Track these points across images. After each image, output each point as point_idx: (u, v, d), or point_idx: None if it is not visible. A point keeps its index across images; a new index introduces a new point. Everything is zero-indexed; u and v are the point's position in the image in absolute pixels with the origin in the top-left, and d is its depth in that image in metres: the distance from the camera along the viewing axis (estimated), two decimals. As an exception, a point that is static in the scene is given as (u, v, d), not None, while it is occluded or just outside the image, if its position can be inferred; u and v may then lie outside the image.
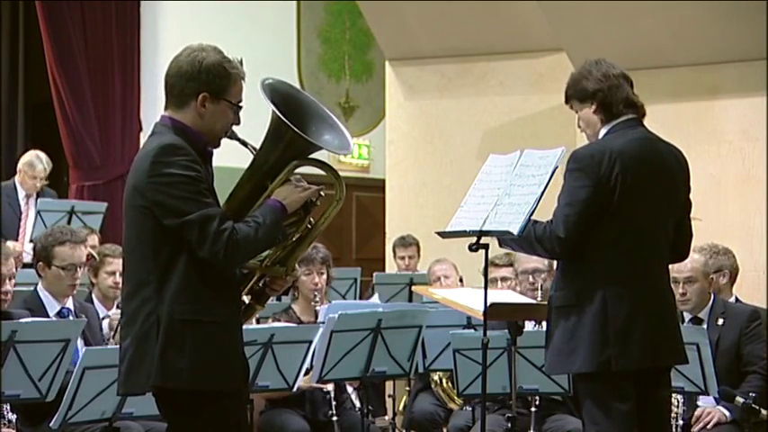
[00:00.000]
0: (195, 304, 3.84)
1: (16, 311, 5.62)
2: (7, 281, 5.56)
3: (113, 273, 6.42)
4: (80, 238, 5.98)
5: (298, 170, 4.02)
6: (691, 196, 4.78)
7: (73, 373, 5.11)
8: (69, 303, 5.89)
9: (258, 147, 4.01)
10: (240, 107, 4.00)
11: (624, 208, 4.48)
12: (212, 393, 3.87)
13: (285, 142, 3.93)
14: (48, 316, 5.76)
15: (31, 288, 6.02)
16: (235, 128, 4.02)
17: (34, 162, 9.68)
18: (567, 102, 4.73)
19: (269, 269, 4.05)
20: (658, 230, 4.58)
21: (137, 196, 3.86)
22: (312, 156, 4.02)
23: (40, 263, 5.83)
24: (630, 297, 4.46)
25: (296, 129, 3.88)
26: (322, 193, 4.02)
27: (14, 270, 5.67)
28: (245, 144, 4.01)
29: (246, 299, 4.14)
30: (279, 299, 6.89)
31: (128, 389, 3.95)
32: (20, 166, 9.74)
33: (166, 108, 4.00)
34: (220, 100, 3.95)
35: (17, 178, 9.74)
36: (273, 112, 3.92)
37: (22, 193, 9.70)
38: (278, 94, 4.01)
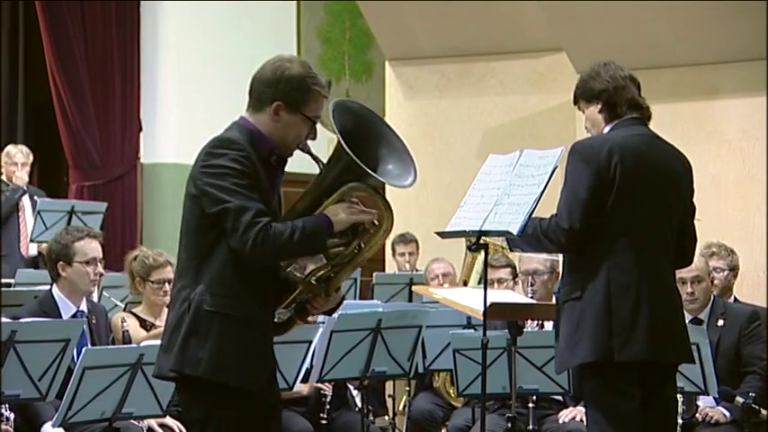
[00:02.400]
0: (227, 298, 3.89)
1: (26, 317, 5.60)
2: None
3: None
4: (96, 233, 6.05)
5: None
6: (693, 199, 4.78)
7: (73, 374, 5.11)
8: (83, 306, 5.87)
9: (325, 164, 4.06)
10: (315, 123, 4.05)
11: (625, 199, 4.49)
12: (231, 389, 3.89)
13: (343, 164, 3.98)
14: (62, 319, 5.74)
15: (34, 288, 6.02)
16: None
17: (10, 150, 10.01)
18: (575, 102, 4.76)
19: (311, 286, 4.07)
20: (662, 225, 4.58)
21: (190, 185, 3.96)
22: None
23: (60, 262, 5.80)
24: (635, 288, 4.47)
25: (353, 155, 3.91)
26: (375, 221, 4.04)
27: None
28: (316, 159, 4.06)
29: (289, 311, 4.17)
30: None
31: (155, 371, 4.04)
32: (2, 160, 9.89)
33: (247, 109, 4.07)
34: (296, 112, 4.00)
35: (3, 175, 9.84)
36: (336, 133, 3.95)
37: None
38: (351, 115, 4.04)
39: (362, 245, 4.04)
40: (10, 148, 10.00)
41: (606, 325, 4.45)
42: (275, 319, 4.12)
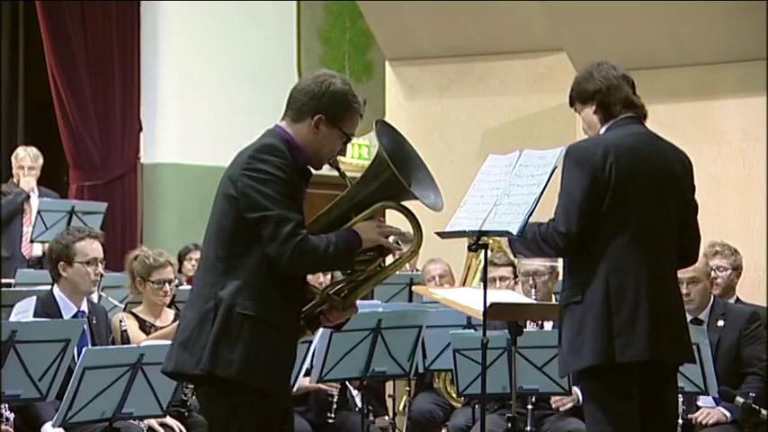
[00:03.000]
0: (260, 303, 3.94)
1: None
2: None
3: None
4: (97, 233, 6.07)
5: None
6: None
7: (73, 374, 5.11)
8: (84, 306, 5.88)
9: (355, 180, 4.11)
10: (350, 140, 4.12)
11: (622, 199, 4.47)
12: (256, 391, 3.93)
13: (381, 181, 4.05)
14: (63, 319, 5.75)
15: (34, 288, 6.02)
16: None
17: (18, 152, 9.95)
18: (571, 105, 4.76)
19: (329, 298, 4.11)
20: (661, 224, 4.56)
21: (229, 185, 3.99)
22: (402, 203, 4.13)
23: (61, 263, 5.81)
24: (634, 289, 4.46)
25: (396, 171, 3.98)
26: (400, 243, 4.14)
27: None
28: (343, 176, 4.12)
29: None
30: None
31: (176, 368, 4.03)
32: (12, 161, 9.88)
33: (282, 119, 4.12)
34: (335, 127, 4.07)
35: (15, 177, 9.84)
36: (380, 149, 4.02)
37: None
38: (393, 136, 4.12)
39: (384, 263, 4.13)
40: (19, 150, 9.95)
41: (606, 328, 4.44)
42: None
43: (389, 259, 4.22)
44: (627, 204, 4.49)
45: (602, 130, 4.63)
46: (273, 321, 3.96)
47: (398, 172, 4.00)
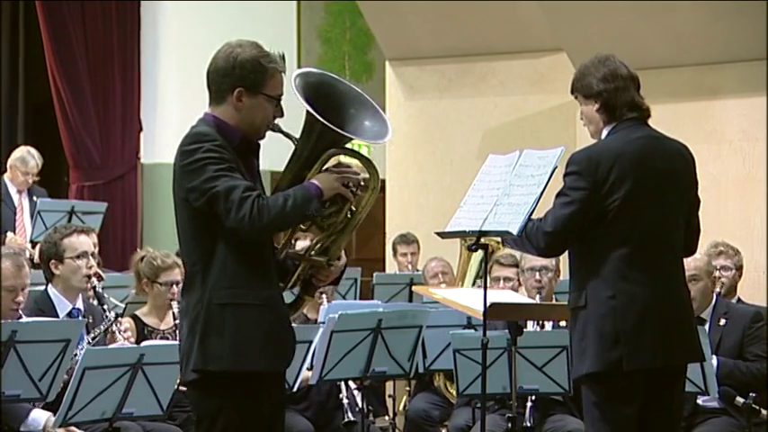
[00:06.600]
0: (234, 288, 3.92)
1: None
2: (20, 291, 5.53)
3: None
4: (85, 228, 6.06)
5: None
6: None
7: (73, 374, 5.11)
8: (79, 303, 5.87)
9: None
10: (279, 99, 4.05)
11: (627, 208, 4.43)
12: (245, 384, 3.92)
13: (317, 133, 3.99)
14: (58, 317, 5.74)
15: (31, 288, 6.00)
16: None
17: (26, 158, 9.78)
18: (572, 92, 4.67)
19: (312, 260, 4.09)
20: (669, 229, 4.53)
21: (176, 187, 4.01)
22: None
23: (52, 261, 5.82)
24: (642, 296, 4.42)
25: (324, 120, 3.93)
26: (362, 181, 4.06)
27: (28, 281, 5.64)
28: (288, 136, 4.05)
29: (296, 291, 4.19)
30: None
31: (183, 378, 4.05)
32: (11, 162, 9.81)
33: (209, 104, 4.08)
34: (258, 94, 4.01)
35: (7, 175, 9.77)
36: (303, 103, 3.97)
37: (13, 189, 9.75)
38: (310, 84, 4.05)
39: (354, 208, 4.07)
40: (26, 156, 9.75)
41: (612, 335, 4.40)
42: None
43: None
44: (633, 213, 4.44)
45: (605, 132, 4.57)
46: (255, 301, 3.93)
47: (327, 116, 3.94)
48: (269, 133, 4.10)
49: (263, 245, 4.01)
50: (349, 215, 4.07)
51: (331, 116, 3.98)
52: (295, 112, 4.08)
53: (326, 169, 4.03)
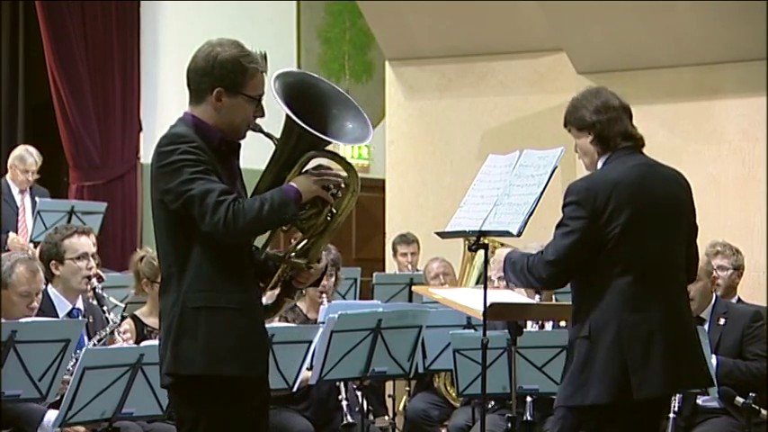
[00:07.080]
0: (208, 291, 3.89)
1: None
2: (35, 296, 5.54)
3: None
4: (86, 228, 6.06)
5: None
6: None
7: (73, 374, 5.11)
8: (79, 303, 5.89)
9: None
10: (260, 100, 4.01)
11: (628, 236, 4.37)
12: (223, 387, 3.89)
13: (296, 135, 3.97)
14: (58, 317, 5.75)
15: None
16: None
17: (24, 156, 9.80)
18: (565, 126, 4.64)
19: (291, 262, 4.07)
20: (669, 255, 4.48)
21: (152, 189, 3.95)
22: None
23: (53, 261, 5.84)
24: (647, 324, 4.36)
25: (303, 123, 3.90)
26: (342, 183, 4.02)
27: (42, 286, 5.64)
28: (269, 136, 4.02)
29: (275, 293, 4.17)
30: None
31: (161, 382, 4.03)
32: (10, 161, 9.81)
33: (189, 104, 4.04)
34: (237, 94, 3.97)
35: (8, 175, 9.78)
36: (282, 106, 3.94)
37: (15, 189, 9.76)
38: (290, 84, 4.02)
39: (334, 210, 4.04)
40: (24, 154, 9.78)
41: (619, 366, 4.34)
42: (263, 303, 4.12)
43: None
44: (634, 241, 4.38)
45: (600, 163, 4.52)
46: (229, 305, 3.90)
47: (308, 117, 3.91)
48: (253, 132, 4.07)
49: (240, 248, 3.98)
50: (329, 218, 4.04)
51: (312, 117, 3.95)
52: (278, 110, 4.06)
53: (306, 171, 4.01)
